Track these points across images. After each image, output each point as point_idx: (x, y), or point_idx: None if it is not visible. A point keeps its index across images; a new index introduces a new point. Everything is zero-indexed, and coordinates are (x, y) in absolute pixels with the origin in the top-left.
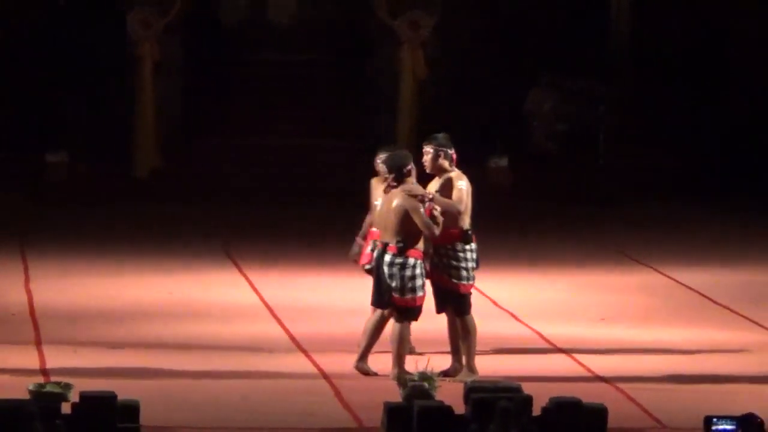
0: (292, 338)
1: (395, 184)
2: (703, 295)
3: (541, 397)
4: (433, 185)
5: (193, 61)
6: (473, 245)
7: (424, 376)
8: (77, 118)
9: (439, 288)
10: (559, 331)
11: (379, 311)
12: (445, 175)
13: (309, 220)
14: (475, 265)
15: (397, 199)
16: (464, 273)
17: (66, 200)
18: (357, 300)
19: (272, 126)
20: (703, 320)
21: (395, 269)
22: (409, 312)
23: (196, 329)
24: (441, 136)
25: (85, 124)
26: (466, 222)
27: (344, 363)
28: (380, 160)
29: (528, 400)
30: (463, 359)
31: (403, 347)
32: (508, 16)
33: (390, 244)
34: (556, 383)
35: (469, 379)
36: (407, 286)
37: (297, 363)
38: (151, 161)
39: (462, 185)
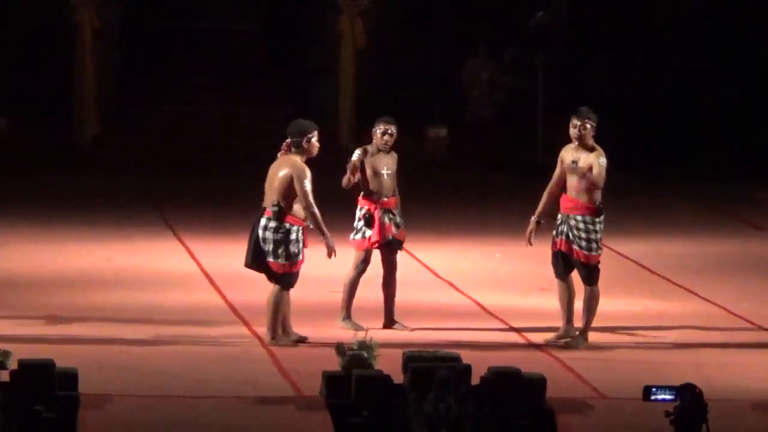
0: (231, 307)
1: (290, 150)
2: (641, 266)
3: (480, 366)
4: (570, 154)
5: (131, 30)
6: (602, 218)
7: (363, 345)
8: (17, 84)
9: (567, 257)
10: (498, 301)
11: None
12: (587, 149)
13: (246, 187)
14: (599, 236)
15: (286, 166)
16: (594, 245)
17: (4, 166)
18: None
19: (209, 94)
20: (641, 290)
21: (269, 233)
22: (283, 278)
23: (134, 297)
24: (588, 109)
25: (25, 90)
26: (599, 196)
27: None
28: (380, 131)
29: (467, 370)
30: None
31: (277, 313)
32: None
33: (267, 208)
34: (495, 353)
35: (582, 346)
36: (279, 251)
37: (236, 331)
38: (92, 128)
39: (603, 162)
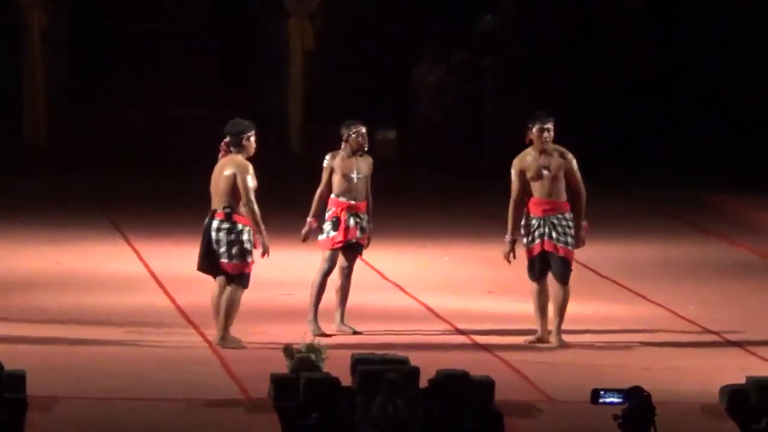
0: (179, 309)
1: (230, 150)
2: (590, 269)
3: (428, 369)
4: (533, 162)
5: (79, 31)
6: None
7: (311, 348)
8: None
9: (545, 259)
10: (446, 303)
11: (217, 287)
12: (550, 153)
13: (194, 190)
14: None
15: (229, 166)
16: (574, 240)
17: None
18: None
19: (157, 96)
20: (589, 294)
21: (222, 234)
22: (238, 278)
23: (82, 299)
24: (545, 113)
25: None
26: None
27: (231, 333)
28: (354, 134)
29: (415, 372)
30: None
31: (231, 313)
32: None
33: (218, 210)
34: (444, 355)
35: (561, 344)
36: (233, 252)
37: (184, 334)
38: (40, 130)
39: (576, 165)
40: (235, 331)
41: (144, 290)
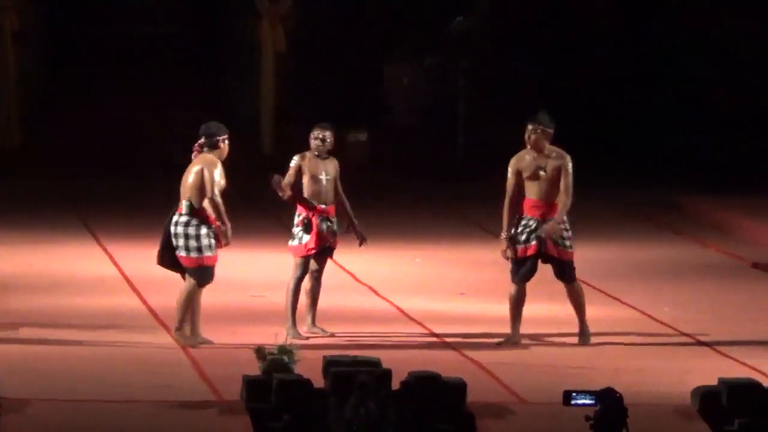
0: (151, 311)
1: (202, 150)
2: None
3: (400, 371)
4: (530, 162)
5: (53, 33)
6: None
7: (284, 350)
8: None
9: (535, 262)
10: (418, 305)
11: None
12: (547, 153)
13: (166, 192)
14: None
15: (198, 162)
16: (567, 242)
17: None
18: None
19: (130, 98)
20: (562, 295)
21: (180, 228)
22: (196, 272)
23: (55, 301)
24: (544, 115)
25: None
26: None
27: (203, 335)
28: (312, 136)
29: (387, 374)
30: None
31: (187, 307)
32: None
33: (179, 205)
34: (416, 357)
35: (586, 342)
36: (190, 244)
37: (156, 335)
38: (13, 133)
39: (571, 166)
40: (208, 332)
41: (116, 292)
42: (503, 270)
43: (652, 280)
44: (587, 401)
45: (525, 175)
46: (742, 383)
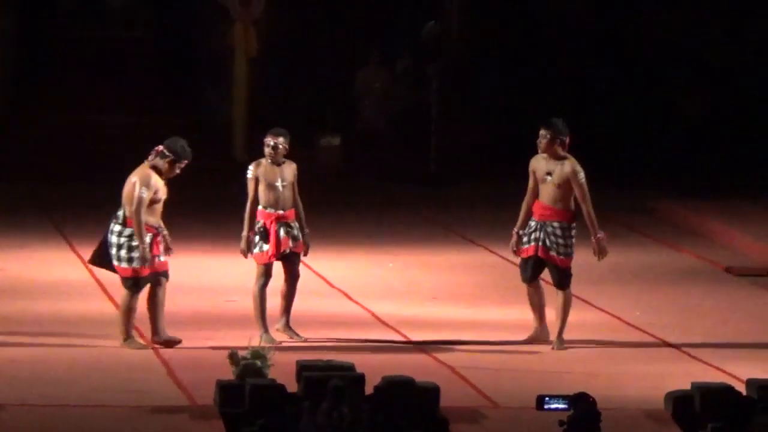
0: None
1: (156, 157)
2: None
3: (373, 375)
4: (542, 165)
5: (23, 36)
6: (575, 223)
7: (257, 354)
8: None
9: (538, 262)
10: (391, 310)
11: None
12: (559, 160)
13: None
14: (573, 242)
15: (135, 173)
16: (570, 249)
17: None
18: (188, 276)
19: (100, 102)
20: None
21: (114, 237)
22: (127, 281)
23: (27, 306)
24: (558, 121)
25: None
26: (572, 202)
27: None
28: (265, 144)
29: (360, 379)
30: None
31: (127, 316)
32: None
33: (117, 214)
34: (389, 362)
35: (560, 347)
36: (122, 254)
37: None
38: None
39: (583, 177)
40: (182, 337)
41: (88, 296)
42: (477, 274)
43: (625, 284)
44: (560, 406)
45: (537, 176)
46: (715, 387)
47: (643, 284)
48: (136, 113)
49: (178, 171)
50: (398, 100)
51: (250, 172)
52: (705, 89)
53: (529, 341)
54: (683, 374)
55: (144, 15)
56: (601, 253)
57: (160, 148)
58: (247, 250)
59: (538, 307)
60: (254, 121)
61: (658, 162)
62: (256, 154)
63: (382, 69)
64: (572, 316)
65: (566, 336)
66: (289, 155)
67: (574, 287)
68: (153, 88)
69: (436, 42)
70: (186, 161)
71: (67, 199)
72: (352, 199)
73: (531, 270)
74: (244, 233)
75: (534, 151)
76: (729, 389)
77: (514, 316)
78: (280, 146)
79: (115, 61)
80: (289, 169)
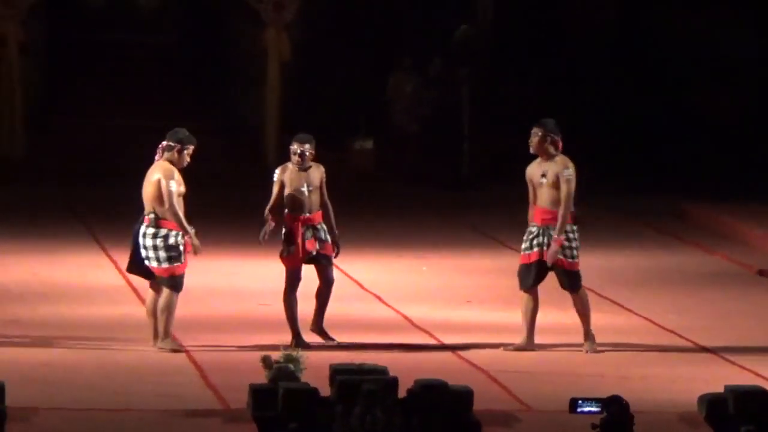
0: None
1: (163, 154)
2: None
3: (406, 379)
4: (536, 169)
5: (57, 43)
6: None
7: (290, 358)
8: None
9: (541, 269)
10: (425, 313)
11: (151, 293)
12: (551, 160)
13: None
14: (578, 244)
15: (156, 171)
16: (575, 252)
17: None
18: (221, 280)
19: (133, 107)
20: (568, 303)
21: (148, 239)
22: (170, 280)
23: (60, 310)
24: (550, 121)
25: None
26: (572, 204)
27: (209, 343)
28: (291, 151)
29: (393, 383)
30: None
31: (168, 317)
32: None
33: (146, 216)
34: (422, 365)
35: (592, 348)
36: (160, 255)
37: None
38: (17, 141)
39: (571, 174)
40: (215, 341)
41: (122, 301)
42: (511, 278)
43: (658, 287)
44: (593, 409)
45: (534, 182)
46: (748, 390)
47: (675, 287)
48: (166, 117)
49: (188, 159)
50: (429, 104)
51: (276, 175)
52: (735, 91)
53: (517, 349)
54: (716, 377)
55: (174, 19)
56: (551, 257)
57: (164, 143)
58: (264, 236)
59: (531, 317)
60: (286, 126)
61: (688, 165)
62: (288, 158)
63: (413, 73)
64: (604, 320)
65: (599, 338)
66: (321, 159)
67: (607, 290)
68: (183, 92)
69: (468, 45)
70: (192, 146)
71: (100, 202)
72: (385, 203)
73: (534, 276)
74: (266, 214)
75: (518, 157)
76: (762, 392)
77: (548, 319)
78: (307, 153)
79: (145, 65)
80: (316, 173)
